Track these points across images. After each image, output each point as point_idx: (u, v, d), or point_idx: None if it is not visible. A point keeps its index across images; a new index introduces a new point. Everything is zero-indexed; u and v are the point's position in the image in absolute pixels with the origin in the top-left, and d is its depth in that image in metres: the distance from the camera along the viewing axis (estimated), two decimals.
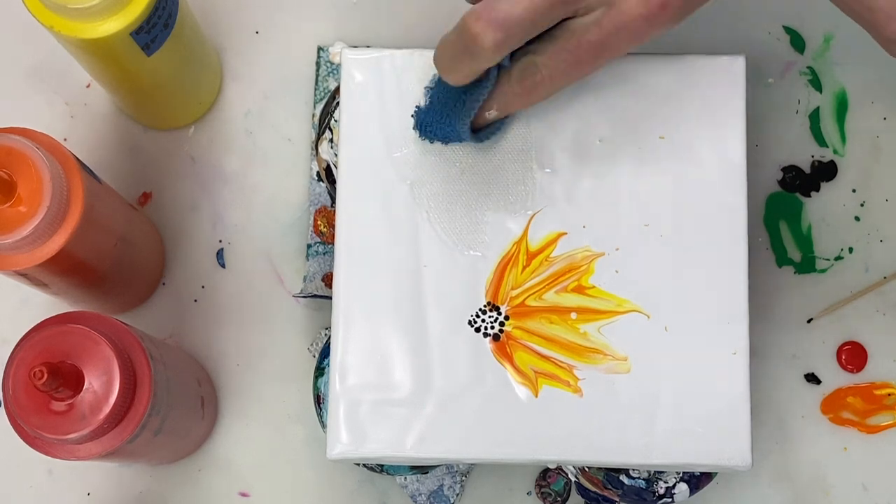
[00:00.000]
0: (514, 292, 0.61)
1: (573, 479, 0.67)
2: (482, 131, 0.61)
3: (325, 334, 0.69)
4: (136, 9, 0.59)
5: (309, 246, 0.70)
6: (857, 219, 0.71)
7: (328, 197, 0.70)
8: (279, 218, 0.71)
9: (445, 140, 0.61)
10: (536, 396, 0.60)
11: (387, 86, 0.63)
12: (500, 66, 0.58)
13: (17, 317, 0.70)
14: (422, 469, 0.67)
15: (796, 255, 0.71)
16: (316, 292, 0.68)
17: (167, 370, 0.59)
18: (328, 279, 0.69)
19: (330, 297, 0.65)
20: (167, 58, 0.63)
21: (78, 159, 0.58)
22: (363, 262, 0.61)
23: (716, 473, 0.65)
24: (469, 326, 0.61)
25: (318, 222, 0.70)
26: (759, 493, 0.69)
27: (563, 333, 0.60)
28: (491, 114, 0.60)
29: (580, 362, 0.60)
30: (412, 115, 0.62)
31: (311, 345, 0.70)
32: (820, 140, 0.72)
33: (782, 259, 0.71)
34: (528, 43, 0.57)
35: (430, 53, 0.63)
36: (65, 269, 0.59)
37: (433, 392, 0.60)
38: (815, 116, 0.72)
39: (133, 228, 0.66)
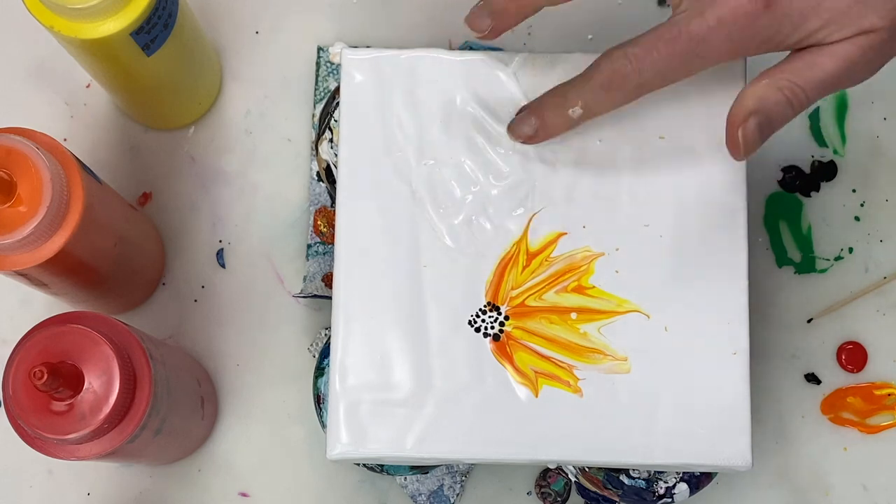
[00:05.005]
0: (514, 292, 0.61)
1: (573, 479, 0.67)
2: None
3: (325, 334, 0.69)
4: (136, 9, 0.59)
5: (309, 246, 0.70)
6: (857, 219, 0.71)
7: (328, 197, 0.70)
8: (279, 218, 0.71)
9: None
10: (536, 396, 0.60)
11: (387, 86, 0.62)
12: None
13: (17, 317, 0.70)
14: (422, 469, 0.67)
15: (796, 256, 0.71)
16: (316, 292, 0.68)
17: (167, 370, 0.59)
18: (328, 279, 0.69)
19: (330, 297, 0.64)
20: (167, 58, 0.63)
21: (78, 159, 0.58)
22: (363, 262, 0.61)
23: (716, 473, 0.65)
24: (469, 326, 0.60)
25: (318, 222, 0.70)
26: (759, 493, 0.69)
27: (563, 333, 0.60)
28: (575, 111, 0.58)
29: (580, 362, 0.60)
30: None
31: (311, 345, 0.70)
32: (820, 140, 0.72)
33: (782, 259, 0.71)
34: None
35: (429, 53, 0.63)
36: (65, 269, 0.59)
37: (433, 392, 0.60)
38: (815, 116, 0.72)
39: (133, 228, 0.66)
